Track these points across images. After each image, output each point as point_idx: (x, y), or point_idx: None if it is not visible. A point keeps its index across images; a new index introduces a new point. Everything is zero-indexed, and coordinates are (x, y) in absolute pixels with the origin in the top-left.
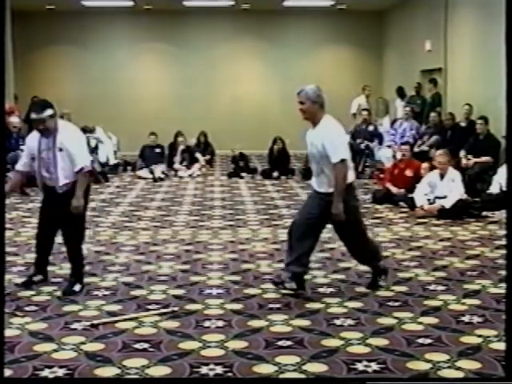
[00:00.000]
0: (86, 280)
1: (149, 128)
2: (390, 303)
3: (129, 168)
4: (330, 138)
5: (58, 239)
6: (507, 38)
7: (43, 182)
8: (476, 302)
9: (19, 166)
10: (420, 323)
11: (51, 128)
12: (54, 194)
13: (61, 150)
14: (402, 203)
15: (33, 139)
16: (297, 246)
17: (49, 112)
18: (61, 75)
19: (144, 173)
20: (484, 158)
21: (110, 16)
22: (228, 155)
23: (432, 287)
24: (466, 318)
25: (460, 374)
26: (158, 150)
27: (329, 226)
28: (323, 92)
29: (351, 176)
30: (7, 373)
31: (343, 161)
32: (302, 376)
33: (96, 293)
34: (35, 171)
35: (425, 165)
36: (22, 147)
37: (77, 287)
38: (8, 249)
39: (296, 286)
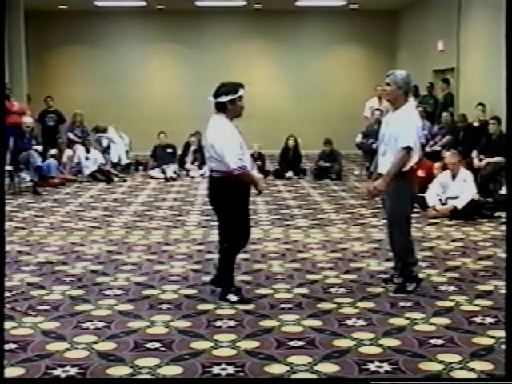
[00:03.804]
0: (98, 279)
1: (161, 128)
2: (402, 303)
3: (141, 168)
4: (404, 124)
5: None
6: (507, 38)
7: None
8: (488, 302)
9: (241, 162)
10: (432, 324)
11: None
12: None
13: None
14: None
15: (233, 130)
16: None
17: None
18: (74, 75)
19: (156, 173)
20: (496, 159)
21: (123, 16)
22: None
23: (444, 288)
24: (478, 319)
25: (472, 375)
26: (169, 150)
27: (342, 226)
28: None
29: (411, 163)
30: (20, 371)
31: (407, 148)
32: (314, 376)
33: (108, 292)
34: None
35: (437, 165)
36: (34, 147)
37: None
38: (21, 248)
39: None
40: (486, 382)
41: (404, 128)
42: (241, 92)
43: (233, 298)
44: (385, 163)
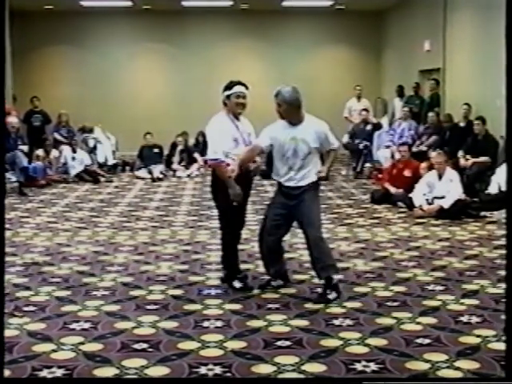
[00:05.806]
0: (85, 280)
1: (147, 128)
2: (389, 303)
3: (127, 168)
4: (325, 130)
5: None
6: (507, 38)
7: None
8: (475, 302)
9: (217, 155)
10: (419, 323)
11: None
12: (249, 177)
13: (249, 134)
14: (400, 203)
15: (226, 123)
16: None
17: None
18: (59, 75)
19: (142, 173)
20: (482, 158)
21: (109, 16)
22: None
23: (431, 287)
24: (464, 318)
25: (459, 374)
26: (156, 150)
27: (329, 226)
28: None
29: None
30: (5, 373)
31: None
32: (301, 376)
33: (95, 293)
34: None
35: (424, 165)
36: (20, 147)
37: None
38: (6, 249)
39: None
40: (486, 382)
41: (327, 133)
42: (235, 89)
43: (237, 284)
44: (305, 175)
